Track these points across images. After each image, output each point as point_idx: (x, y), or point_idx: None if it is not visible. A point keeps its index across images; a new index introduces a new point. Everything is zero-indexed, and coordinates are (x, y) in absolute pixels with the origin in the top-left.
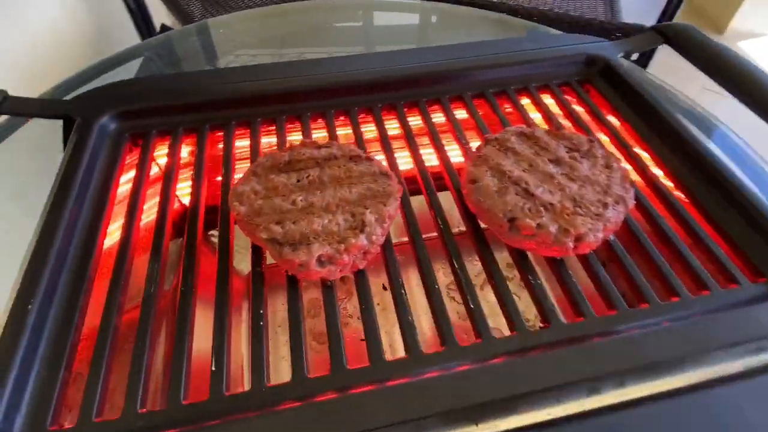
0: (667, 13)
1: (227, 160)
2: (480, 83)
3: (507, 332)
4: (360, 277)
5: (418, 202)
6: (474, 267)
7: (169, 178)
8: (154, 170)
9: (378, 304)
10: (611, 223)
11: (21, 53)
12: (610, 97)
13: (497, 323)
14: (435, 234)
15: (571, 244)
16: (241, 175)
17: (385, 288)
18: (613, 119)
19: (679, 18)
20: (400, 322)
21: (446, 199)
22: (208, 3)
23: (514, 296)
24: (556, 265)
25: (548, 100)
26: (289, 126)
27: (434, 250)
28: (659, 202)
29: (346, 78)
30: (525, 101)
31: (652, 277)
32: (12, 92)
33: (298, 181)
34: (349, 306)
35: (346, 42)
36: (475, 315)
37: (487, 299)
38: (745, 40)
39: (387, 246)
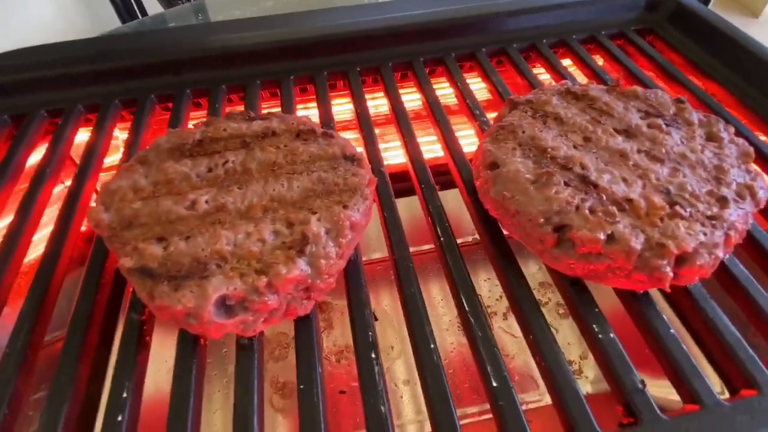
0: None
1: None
2: (499, 36)
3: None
4: (302, 329)
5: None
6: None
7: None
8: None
9: None
10: (736, 232)
11: None
12: (687, 50)
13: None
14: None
15: (669, 271)
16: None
17: (375, 318)
18: (696, 81)
19: (713, 4)
20: None
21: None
22: None
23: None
24: (638, 304)
25: (597, 58)
26: (230, 100)
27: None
28: None
29: (305, 34)
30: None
31: None
32: None
33: (210, 170)
34: (327, 341)
35: None
36: (497, 394)
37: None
38: None
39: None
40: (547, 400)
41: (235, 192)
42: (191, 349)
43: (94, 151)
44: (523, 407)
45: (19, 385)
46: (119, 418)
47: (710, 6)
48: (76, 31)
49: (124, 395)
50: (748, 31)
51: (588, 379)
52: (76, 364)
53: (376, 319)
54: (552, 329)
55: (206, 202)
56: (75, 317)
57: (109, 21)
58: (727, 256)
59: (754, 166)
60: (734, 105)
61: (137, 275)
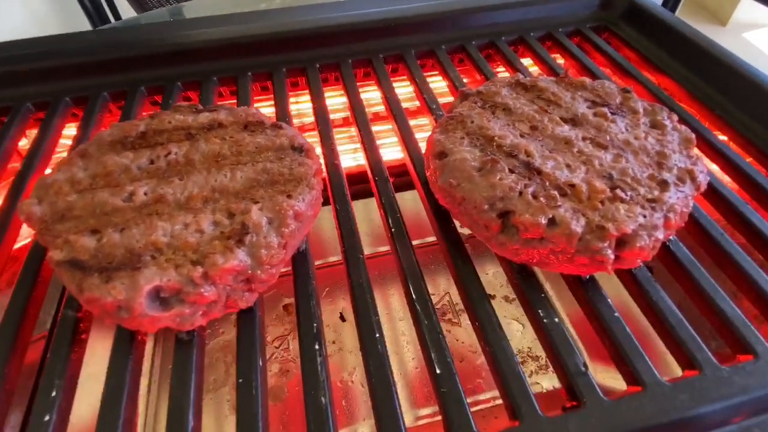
0: (667, 7)
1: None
2: (458, 34)
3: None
4: (244, 321)
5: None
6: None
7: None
8: None
9: (333, 342)
10: (676, 215)
11: None
12: (640, 46)
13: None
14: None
15: (610, 254)
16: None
17: (342, 318)
18: (648, 75)
19: (681, 11)
20: None
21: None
22: None
23: (513, 322)
24: (583, 289)
25: (555, 56)
26: (188, 98)
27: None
28: (736, 181)
29: (261, 30)
30: (525, 61)
31: (754, 306)
32: None
33: (152, 162)
34: (294, 344)
35: None
36: (445, 397)
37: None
38: (749, 32)
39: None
40: None
41: (176, 183)
42: (127, 345)
43: (39, 150)
44: (491, 404)
45: None
46: (46, 418)
47: (678, 13)
48: (47, 33)
49: (53, 394)
50: (717, 38)
51: (555, 375)
52: (6, 361)
53: (344, 320)
54: (520, 324)
55: (145, 193)
56: (7, 315)
57: (81, 27)
58: (671, 238)
59: (696, 151)
60: (684, 97)
61: (67, 268)
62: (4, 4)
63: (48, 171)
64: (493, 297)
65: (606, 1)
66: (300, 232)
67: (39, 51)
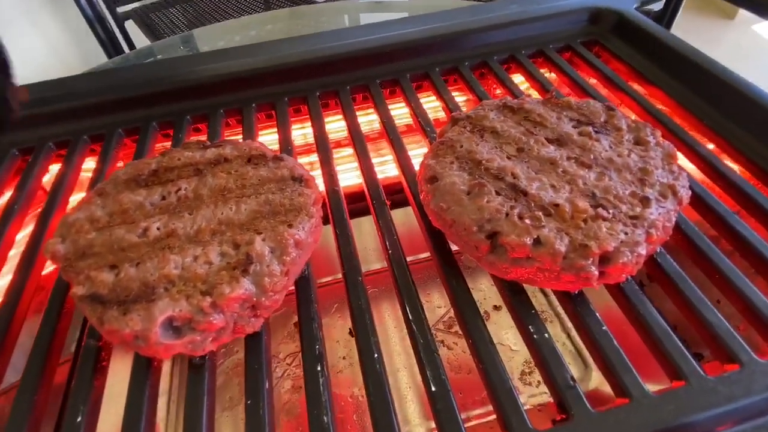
0: (662, 23)
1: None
2: (451, 56)
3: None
4: (252, 345)
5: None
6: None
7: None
8: None
9: (344, 357)
10: (658, 230)
11: None
12: (630, 59)
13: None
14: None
15: (594, 270)
16: None
17: (351, 334)
18: (638, 87)
19: (687, 7)
20: None
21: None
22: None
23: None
24: (573, 303)
25: (545, 71)
26: (198, 129)
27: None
28: (726, 191)
29: (264, 64)
30: (516, 78)
31: (740, 315)
32: None
33: (163, 198)
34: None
35: None
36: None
37: None
38: (758, 24)
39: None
40: None
41: (186, 217)
42: (144, 372)
43: (61, 186)
44: (491, 417)
45: None
46: None
47: (683, 9)
48: (67, 67)
49: (78, 419)
50: (724, 32)
51: None
52: (37, 387)
53: (353, 336)
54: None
55: (158, 228)
56: (36, 344)
57: (98, 56)
58: (659, 250)
59: (686, 163)
60: (674, 108)
61: (88, 302)
62: (27, 39)
63: (69, 204)
64: (499, 308)
65: (595, 15)
66: (301, 259)
67: (57, 93)
